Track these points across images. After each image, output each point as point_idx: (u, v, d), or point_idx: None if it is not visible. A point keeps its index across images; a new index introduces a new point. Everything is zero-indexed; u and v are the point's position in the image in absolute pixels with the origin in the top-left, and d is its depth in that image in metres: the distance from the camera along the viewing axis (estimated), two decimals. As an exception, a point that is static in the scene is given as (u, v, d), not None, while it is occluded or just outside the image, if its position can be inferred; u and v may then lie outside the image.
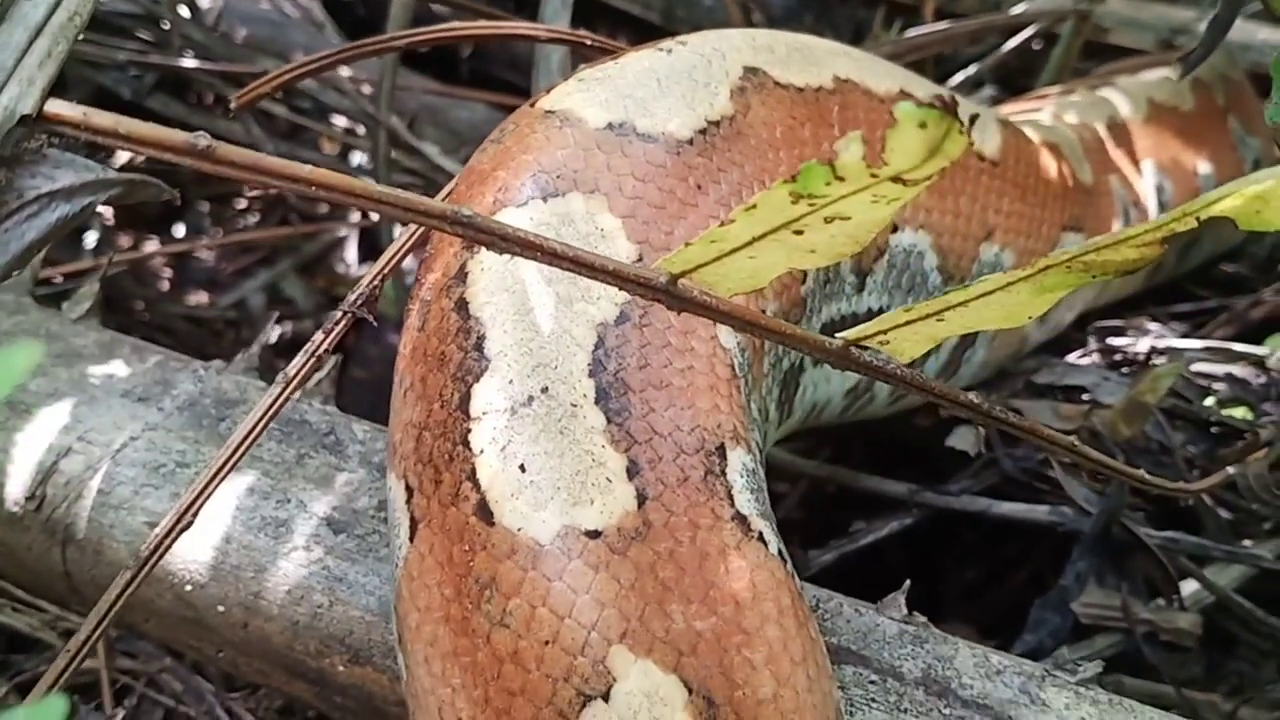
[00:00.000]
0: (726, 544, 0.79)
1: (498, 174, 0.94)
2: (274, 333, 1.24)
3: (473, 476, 0.80)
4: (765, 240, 0.71)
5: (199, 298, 2.16)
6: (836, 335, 0.80)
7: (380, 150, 1.78)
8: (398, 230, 1.05)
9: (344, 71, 1.92)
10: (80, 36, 0.71)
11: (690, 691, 0.74)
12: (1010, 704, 0.97)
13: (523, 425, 0.81)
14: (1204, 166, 1.70)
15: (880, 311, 1.00)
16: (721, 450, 0.84)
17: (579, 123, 0.96)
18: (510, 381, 0.82)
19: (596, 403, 0.82)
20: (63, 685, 0.95)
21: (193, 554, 1.08)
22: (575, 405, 0.82)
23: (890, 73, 1.22)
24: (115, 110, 0.63)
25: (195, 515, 0.96)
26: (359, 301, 1.00)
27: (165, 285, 2.19)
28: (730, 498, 0.82)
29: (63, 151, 0.56)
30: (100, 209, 2.22)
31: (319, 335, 1.00)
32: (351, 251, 2.22)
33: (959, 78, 1.95)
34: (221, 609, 1.08)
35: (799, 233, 0.70)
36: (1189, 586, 1.30)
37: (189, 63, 1.94)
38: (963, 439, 1.28)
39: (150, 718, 1.22)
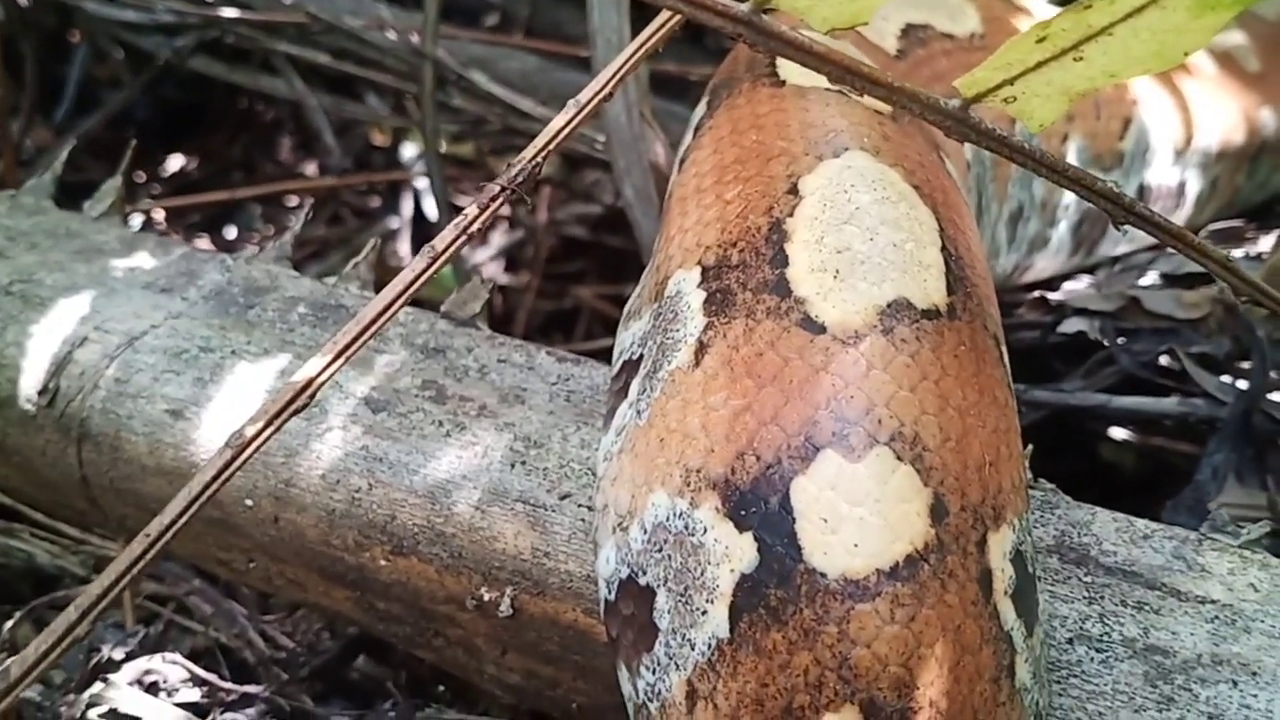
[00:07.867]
0: None
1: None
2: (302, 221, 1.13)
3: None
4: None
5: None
6: (956, 83, 0.68)
7: (427, 87, 1.68)
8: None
9: (390, 36, 1.83)
10: None
11: None
12: (1163, 570, 0.82)
13: None
14: None
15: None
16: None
17: None
18: None
19: None
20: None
21: (215, 442, 0.96)
22: None
23: None
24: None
25: (313, 396, 0.78)
26: (518, 178, 0.88)
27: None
28: None
29: None
30: (151, 212, 2.15)
31: (472, 209, 0.87)
32: (404, 245, 2.13)
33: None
34: (250, 503, 0.97)
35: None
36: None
37: (229, 12, 1.86)
38: (1077, 324, 1.13)
39: (178, 646, 1.09)
